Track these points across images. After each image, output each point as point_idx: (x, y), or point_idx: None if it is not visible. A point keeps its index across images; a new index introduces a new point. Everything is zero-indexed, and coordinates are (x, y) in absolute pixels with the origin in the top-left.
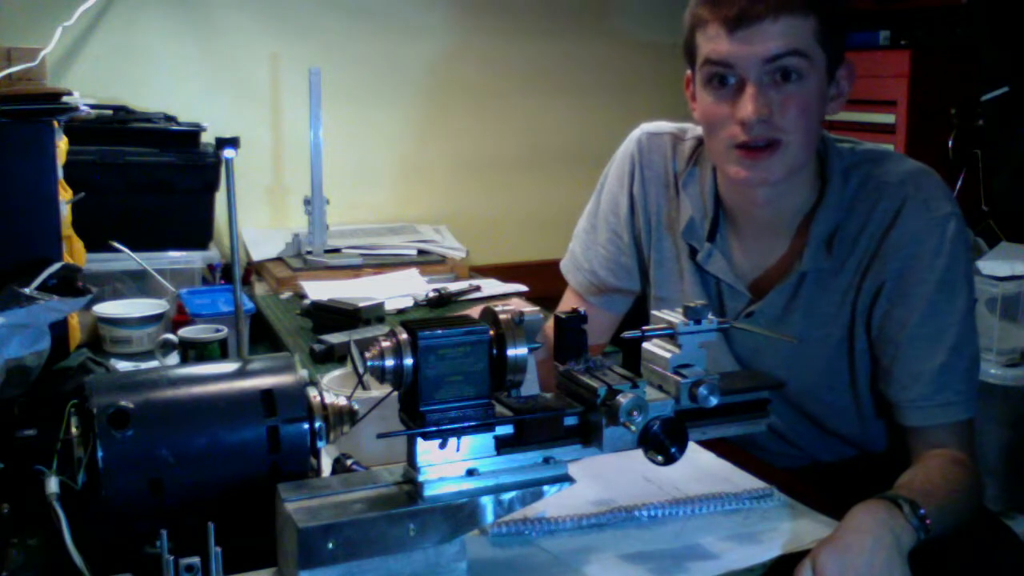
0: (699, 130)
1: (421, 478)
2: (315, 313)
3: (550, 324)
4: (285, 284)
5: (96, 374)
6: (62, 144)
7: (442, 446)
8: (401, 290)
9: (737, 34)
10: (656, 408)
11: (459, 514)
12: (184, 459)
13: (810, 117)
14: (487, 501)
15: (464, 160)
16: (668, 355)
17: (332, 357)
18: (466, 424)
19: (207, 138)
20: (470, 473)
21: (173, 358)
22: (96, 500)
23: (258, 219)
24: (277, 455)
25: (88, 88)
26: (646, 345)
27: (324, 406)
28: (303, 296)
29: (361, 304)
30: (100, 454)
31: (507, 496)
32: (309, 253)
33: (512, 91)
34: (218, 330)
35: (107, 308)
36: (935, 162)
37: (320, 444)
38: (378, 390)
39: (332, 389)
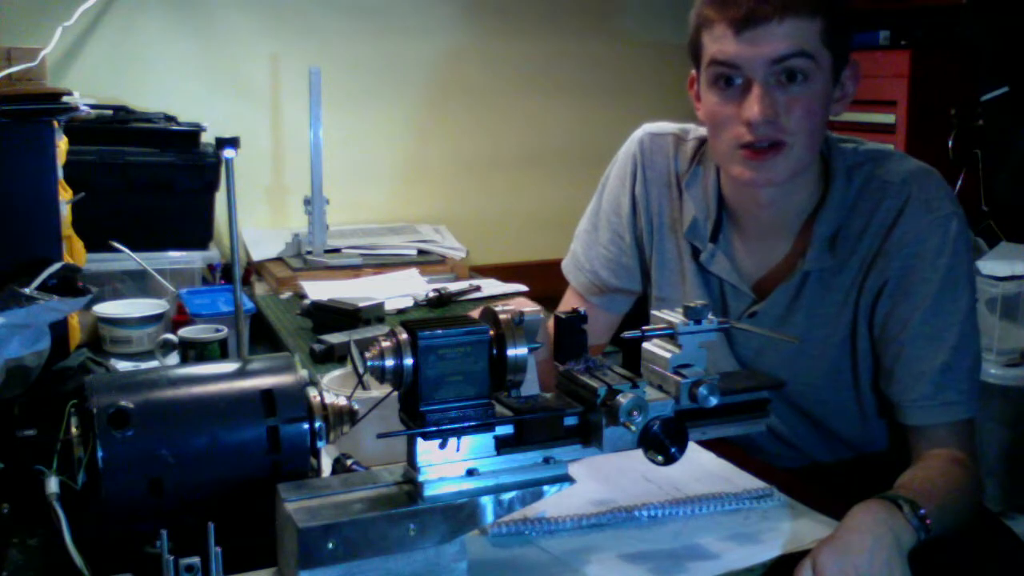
0: (701, 130)
1: (421, 478)
2: (315, 313)
3: (551, 323)
4: (285, 284)
5: (96, 374)
6: (62, 144)
7: (442, 446)
8: (401, 290)
9: (744, 35)
10: (656, 408)
11: (459, 514)
12: (184, 459)
13: (815, 118)
14: (487, 501)
15: (464, 160)
16: (668, 355)
17: (332, 357)
18: (466, 424)
19: (207, 138)
20: (470, 473)
21: (173, 358)
22: (96, 500)
23: (258, 219)
24: (277, 455)
25: (88, 88)
26: (646, 345)
27: (324, 406)
28: (303, 296)
29: (361, 304)
30: (100, 454)
31: (507, 496)
32: (309, 253)
33: (512, 91)
34: (218, 330)
35: (107, 308)
36: (935, 162)
37: (320, 444)
38: (378, 390)
39: (332, 389)
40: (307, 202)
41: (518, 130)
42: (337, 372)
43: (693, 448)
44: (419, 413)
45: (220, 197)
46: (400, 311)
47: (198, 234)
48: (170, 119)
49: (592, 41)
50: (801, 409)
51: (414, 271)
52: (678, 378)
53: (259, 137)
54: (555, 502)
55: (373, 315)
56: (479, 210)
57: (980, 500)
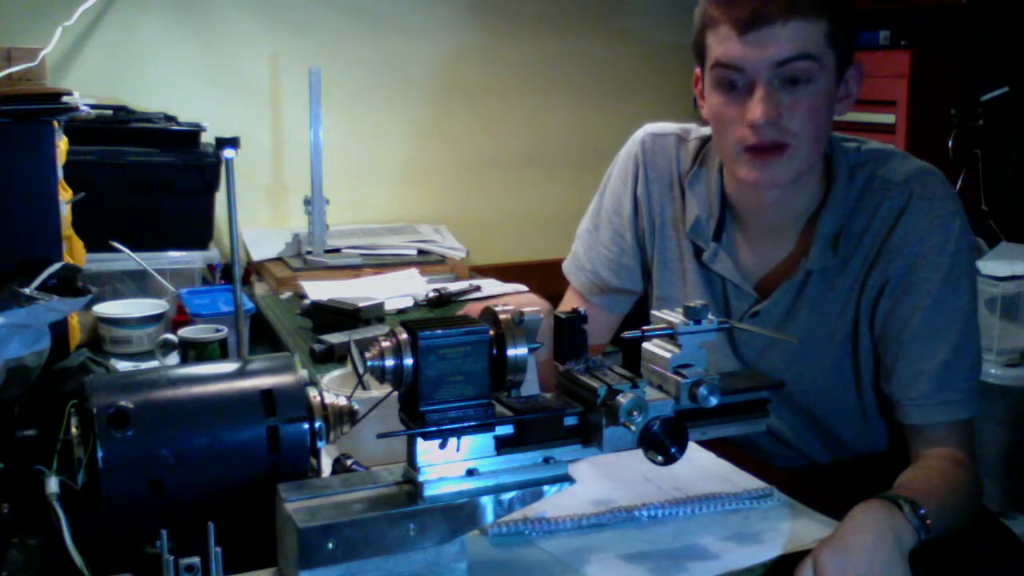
0: (703, 130)
1: (421, 478)
2: (315, 313)
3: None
4: (285, 284)
5: (96, 374)
6: (62, 144)
7: (442, 446)
8: (401, 290)
9: (747, 37)
10: (656, 408)
11: (459, 514)
12: (184, 459)
13: (819, 120)
14: (487, 501)
15: (464, 160)
16: (668, 355)
17: (332, 357)
18: (466, 424)
19: (207, 138)
20: (470, 473)
21: (173, 358)
22: (96, 500)
23: (258, 219)
24: (277, 455)
25: (88, 88)
26: (646, 345)
27: (324, 406)
28: (303, 296)
29: (361, 304)
30: (100, 454)
31: (507, 496)
32: (309, 253)
33: (512, 91)
34: (218, 330)
35: (107, 308)
36: (935, 162)
37: (320, 444)
38: (378, 390)
39: (332, 389)
40: (307, 202)
41: (518, 130)
42: (337, 372)
43: (693, 448)
44: (419, 413)
45: (220, 197)
46: (400, 311)
47: (198, 234)
48: (170, 119)
49: (592, 41)
50: (802, 409)
51: (414, 271)
52: (678, 378)
53: (259, 137)
54: (555, 502)
55: (373, 315)
56: (479, 210)
57: (980, 500)
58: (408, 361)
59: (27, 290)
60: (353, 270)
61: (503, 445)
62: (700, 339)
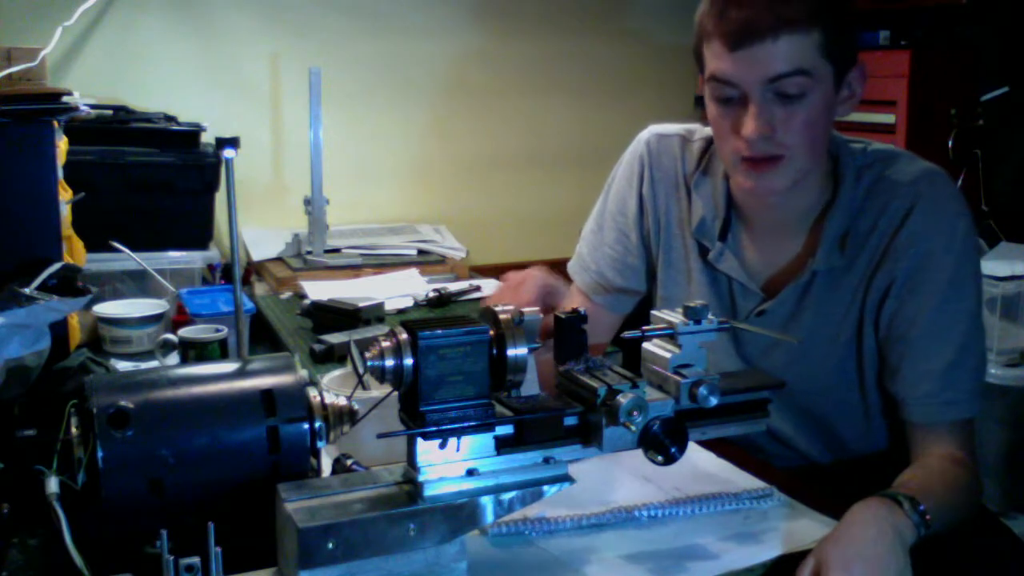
0: (707, 130)
1: (421, 478)
2: (315, 313)
3: (550, 319)
4: (285, 284)
5: (96, 374)
6: (62, 144)
7: (442, 446)
8: (401, 290)
9: (738, 53)
10: (656, 408)
11: (459, 514)
12: (184, 459)
13: (815, 130)
14: (487, 501)
15: (464, 160)
16: (668, 355)
17: (332, 357)
18: (466, 424)
19: (207, 138)
20: (470, 473)
21: (173, 358)
22: (96, 500)
23: (258, 219)
24: (277, 455)
25: (88, 88)
26: (646, 345)
27: (324, 406)
28: (303, 296)
29: (361, 304)
30: (100, 454)
31: (507, 496)
32: (309, 253)
33: (512, 91)
34: (218, 330)
35: (107, 308)
36: (935, 162)
37: (320, 444)
38: (378, 390)
39: (332, 389)
40: (307, 202)
41: (518, 130)
42: (337, 372)
43: (693, 448)
44: (419, 413)
45: (220, 197)
46: (400, 311)
47: (198, 234)
48: (170, 119)
49: (592, 41)
50: (805, 408)
51: (414, 271)
52: (678, 378)
53: (259, 137)
54: (555, 502)
55: (373, 315)
56: (479, 210)
57: (979, 499)
58: (408, 361)
59: (27, 290)
60: (353, 270)
61: (503, 445)
62: (700, 339)
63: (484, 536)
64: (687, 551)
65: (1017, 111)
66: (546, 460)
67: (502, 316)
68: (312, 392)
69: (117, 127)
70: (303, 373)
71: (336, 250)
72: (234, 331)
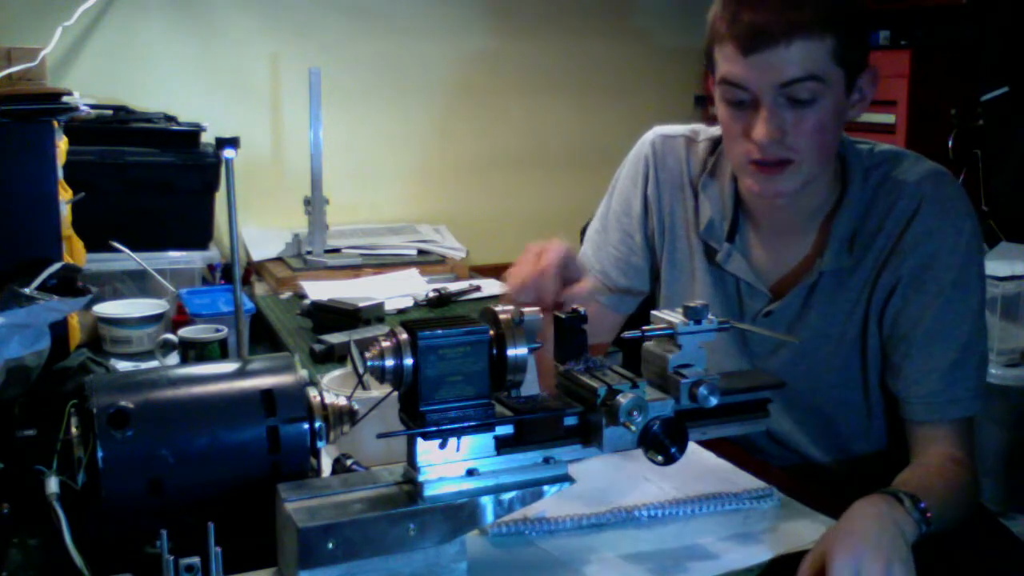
0: (712, 131)
1: (421, 478)
2: (315, 313)
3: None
4: (285, 284)
5: (96, 374)
6: (62, 144)
7: (442, 446)
8: (401, 290)
9: (751, 58)
10: (656, 408)
11: (459, 514)
12: (184, 459)
13: (825, 134)
14: (487, 501)
15: (464, 160)
16: (668, 355)
17: (332, 357)
18: (466, 424)
19: (207, 138)
20: (470, 473)
21: (173, 358)
22: (96, 500)
23: (258, 219)
24: (277, 455)
25: (88, 88)
26: (646, 345)
27: (324, 406)
28: (303, 296)
29: (361, 304)
30: (100, 454)
31: (507, 496)
32: (309, 253)
33: (512, 91)
34: (218, 330)
35: (107, 308)
36: (935, 162)
37: (320, 444)
38: (378, 390)
39: (332, 389)
40: (307, 202)
41: (519, 130)
42: (337, 372)
43: (693, 448)
44: (419, 413)
45: (220, 197)
46: (400, 311)
47: (198, 234)
48: (170, 119)
49: (593, 41)
50: (807, 407)
51: (414, 271)
52: (678, 378)
53: (259, 137)
54: (555, 502)
55: (373, 315)
56: (479, 210)
57: (978, 499)
58: (408, 361)
59: (27, 290)
60: (353, 270)
61: (503, 445)
62: (700, 339)
63: (484, 536)
64: (687, 551)
65: (1017, 111)
66: (546, 460)
67: (502, 316)
68: (312, 392)
69: (117, 127)
70: (303, 373)
71: (336, 250)
72: (234, 331)
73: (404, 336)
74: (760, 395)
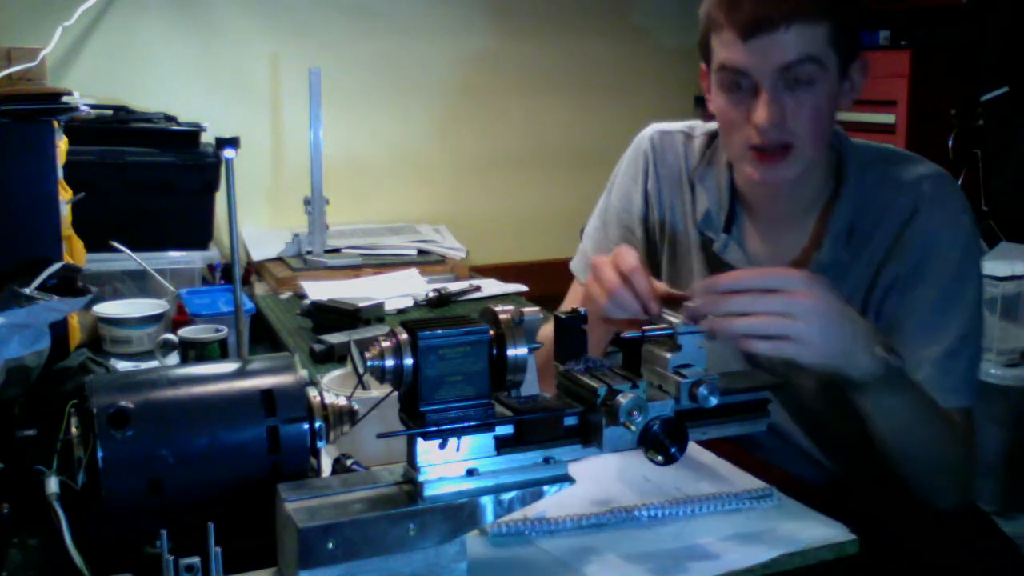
0: (708, 126)
1: (421, 478)
2: (315, 313)
3: (546, 330)
4: (285, 284)
5: (96, 374)
6: (62, 144)
7: (442, 446)
8: (401, 290)
9: (751, 43)
10: (656, 408)
11: (459, 514)
12: (184, 459)
13: (822, 119)
14: (487, 501)
15: (464, 160)
16: (668, 355)
17: (332, 357)
18: (466, 424)
19: (207, 138)
20: (470, 473)
21: (173, 358)
22: (96, 500)
23: (258, 219)
24: (277, 455)
25: (88, 88)
26: (646, 345)
27: (324, 406)
28: (303, 296)
29: (361, 304)
30: (100, 454)
31: (507, 496)
32: (309, 253)
33: (512, 91)
34: (218, 330)
35: (107, 308)
36: (935, 162)
37: (320, 444)
38: (378, 390)
39: (332, 389)
40: (307, 202)
41: (518, 130)
42: (337, 372)
43: (693, 448)
44: (419, 413)
45: (220, 197)
46: (400, 311)
47: (198, 234)
48: (170, 119)
49: (593, 41)
50: (806, 403)
51: (414, 271)
52: (678, 378)
53: (259, 137)
54: (555, 502)
55: (373, 315)
56: (479, 210)
57: (965, 456)
58: (408, 361)
59: (27, 290)
60: (353, 270)
61: (503, 445)
62: (700, 339)
63: (484, 536)
64: (687, 551)
65: (1017, 111)
66: (546, 460)
67: (502, 316)
68: (312, 392)
69: (117, 127)
70: (303, 373)
71: (336, 250)
72: (234, 331)
73: (404, 336)
74: (760, 395)
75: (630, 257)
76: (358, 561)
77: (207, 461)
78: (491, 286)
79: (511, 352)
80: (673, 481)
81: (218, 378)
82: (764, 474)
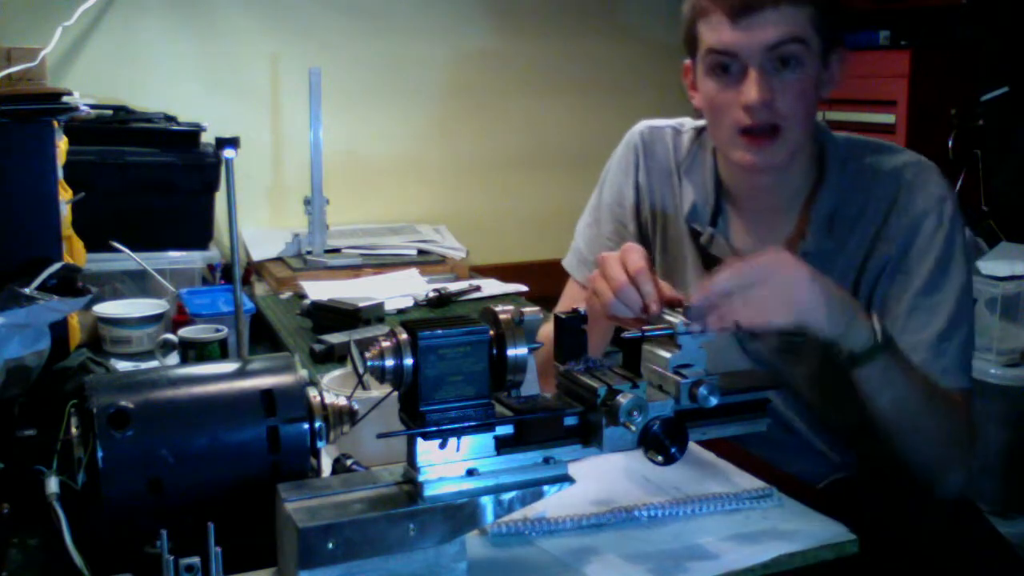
0: (697, 123)
1: (421, 478)
2: (315, 313)
3: (546, 329)
4: (285, 284)
5: (96, 374)
6: (62, 144)
7: (442, 446)
8: (401, 290)
9: (739, 23)
10: (656, 408)
11: (459, 514)
12: (184, 459)
13: (808, 102)
14: (487, 501)
15: (464, 160)
16: (668, 355)
17: (332, 357)
18: (466, 424)
19: (207, 138)
20: (470, 473)
21: (173, 358)
22: (96, 500)
23: (258, 219)
24: (277, 455)
25: (88, 88)
26: (646, 345)
27: (324, 406)
28: (303, 296)
29: (361, 304)
30: (100, 454)
31: (507, 496)
32: (309, 253)
33: (512, 91)
34: (218, 330)
35: (107, 308)
36: (935, 162)
37: (320, 444)
38: (378, 390)
39: (332, 389)
40: (307, 202)
41: (518, 130)
42: (337, 372)
43: (693, 448)
44: (419, 413)
45: (220, 197)
46: (400, 311)
47: (198, 234)
48: (170, 119)
49: (593, 41)
50: (803, 401)
51: (414, 271)
52: (678, 378)
53: (259, 137)
54: (555, 502)
55: (373, 315)
56: (479, 210)
57: (968, 435)
58: (408, 361)
59: (27, 290)
60: (353, 270)
61: (503, 445)
62: (700, 339)
63: (484, 536)
64: (687, 551)
65: (1017, 111)
66: (546, 460)
67: (502, 316)
68: (312, 392)
69: (117, 127)
70: (303, 373)
71: (336, 250)
72: (234, 331)
73: (404, 336)
74: (760, 395)
75: (637, 256)
76: (358, 561)
77: (207, 461)
78: (491, 286)
79: (511, 352)
80: (673, 481)
81: (218, 378)
82: (764, 474)
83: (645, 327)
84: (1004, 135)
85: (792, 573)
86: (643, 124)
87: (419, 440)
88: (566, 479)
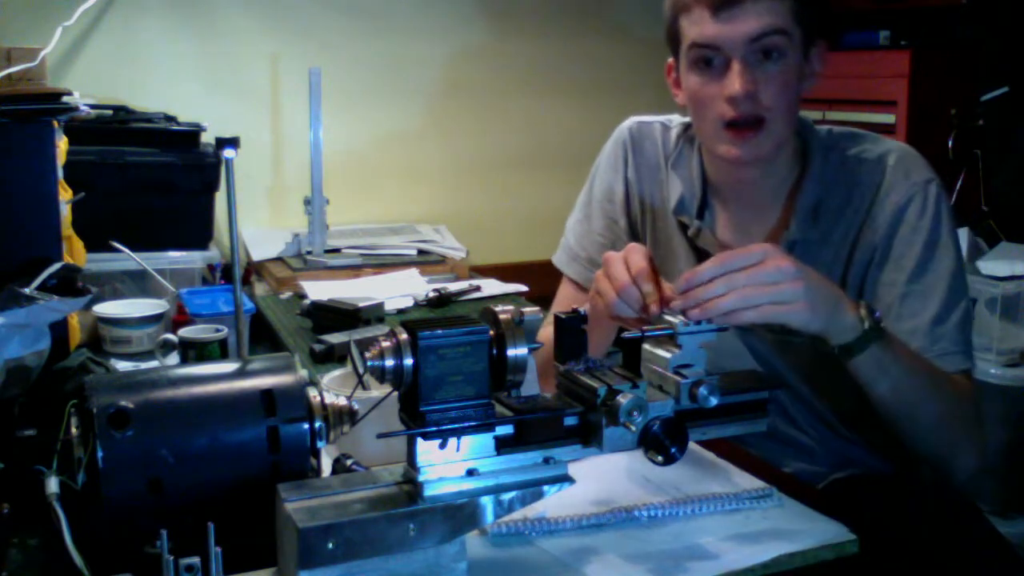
0: (684, 119)
1: (421, 478)
2: (315, 313)
3: (546, 331)
4: (285, 284)
5: (96, 374)
6: (62, 144)
7: (442, 446)
8: (401, 290)
9: (721, 15)
10: (656, 408)
11: (459, 514)
12: (184, 459)
13: (791, 93)
14: (487, 501)
15: (464, 160)
16: (668, 355)
17: (332, 357)
18: (466, 424)
19: (207, 138)
20: (470, 473)
21: (173, 358)
22: (96, 500)
23: (258, 219)
24: (277, 455)
25: (88, 88)
26: (646, 345)
27: (324, 406)
28: (303, 296)
29: (361, 304)
30: (100, 454)
31: (507, 496)
32: (309, 253)
33: (512, 91)
34: (218, 330)
35: (107, 308)
36: (935, 162)
37: (320, 444)
38: (378, 390)
39: (332, 389)
40: (307, 202)
41: (518, 130)
42: (337, 372)
43: (693, 448)
44: (419, 413)
45: (220, 197)
46: (400, 311)
47: (198, 234)
48: (170, 119)
49: (592, 41)
50: (801, 398)
51: (414, 271)
52: (678, 378)
53: (259, 137)
54: (555, 502)
55: (373, 315)
56: (479, 210)
57: (976, 415)
58: (408, 361)
59: (27, 290)
60: (353, 270)
61: (503, 445)
62: (700, 339)
63: (484, 536)
64: (687, 551)
65: (1017, 111)
66: (546, 460)
67: (502, 316)
68: (312, 392)
69: (117, 127)
70: (303, 373)
71: (336, 250)
72: (234, 331)
73: (404, 336)
74: (760, 395)
75: (639, 256)
76: (358, 561)
77: (207, 461)
78: (491, 286)
79: (511, 352)
80: (673, 481)
81: (218, 378)
82: (764, 474)
83: (645, 327)
84: (1004, 135)
85: (792, 573)
86: (632, 120)
87: (419, 440)
88: (566, 479)
